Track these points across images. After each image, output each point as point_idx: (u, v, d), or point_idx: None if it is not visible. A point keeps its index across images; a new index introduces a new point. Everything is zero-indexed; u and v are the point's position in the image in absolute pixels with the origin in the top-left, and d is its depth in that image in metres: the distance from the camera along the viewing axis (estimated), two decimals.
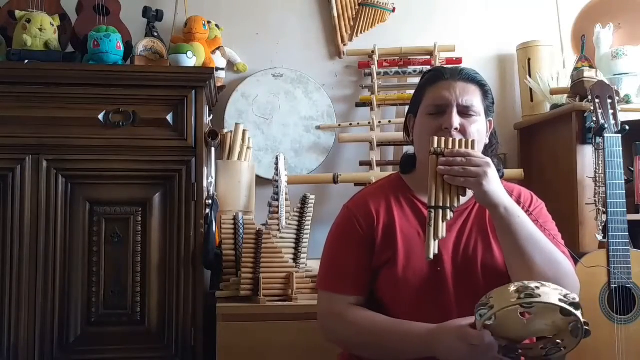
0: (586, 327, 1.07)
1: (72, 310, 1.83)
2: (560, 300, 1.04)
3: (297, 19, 2.53)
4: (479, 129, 1.31)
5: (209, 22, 2.31)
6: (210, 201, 1.97)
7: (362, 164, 2.32)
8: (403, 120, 1.47)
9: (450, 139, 1.24)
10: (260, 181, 2.35)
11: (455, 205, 1.21)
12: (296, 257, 1.92)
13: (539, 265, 1.19)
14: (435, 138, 1.24)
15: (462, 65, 1.46)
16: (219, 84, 2.31)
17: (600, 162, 1.91)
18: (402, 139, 2.23)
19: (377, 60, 2.44)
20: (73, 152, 1.86)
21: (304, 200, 1.95)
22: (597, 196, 1.93)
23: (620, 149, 1.87)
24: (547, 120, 2.30)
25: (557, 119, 2.21)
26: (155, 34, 2.22)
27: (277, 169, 1.93)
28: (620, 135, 1.88)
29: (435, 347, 1.17)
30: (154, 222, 1.88)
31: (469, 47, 2.50)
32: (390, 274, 1.29)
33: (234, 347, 1.77)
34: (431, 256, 1.17)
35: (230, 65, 2.45)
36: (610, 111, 1.89)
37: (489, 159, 1.21)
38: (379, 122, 2.35)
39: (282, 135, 2.43)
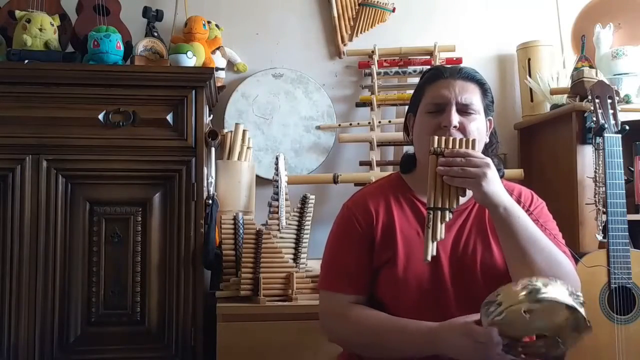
0: (588, 324, 1.08)
1: (72, 310, 1.83)
2: (567, 296, 1.05)
3: (297, 19, 2.53)
4: (478, 127, 1.31)
5: (209, 22, 2.31)
6: (210, 201, 1.97)
7: (362, 164, 2.32)
8: (403, 120, 1.47)
9: (451, 139, 1.23)
10: (260, 181, 2.35)
11: (455, 206, 1.21)
12: (296, 257, 1.92)
13: (539, 265, 1.19)
14: (436, 137, 1.23)
15: (463, 65, 1.46)
16: (219, 84, 2.31)
17: (600, 162, 1.91)
18: (402, 139, 2.23)
19: (377, 60, 2.44)
20: (73, 152, 1.86)
21: (304, 200, 1.95)
22: (597, 196, 1.93)
23: (620, 149, 1.86)
24: (547, 120, 2.30)
25: (557, 119, 2.21)
26: (155, 34, 2.22)
27: (277, 169, 1.93)
28: (620, 135, 1.88)
29: (439, 345, 1.17)
30: (154, 222, 1.88)
31: (469, 47, 2.50)
32: (390, 274, 1.29)
33: (234, 347, 1.77)
34: (429, 258, 1.16)
35: (230, 65, 2.45)
36: (610, 111, 1.89)
37: (488, 160, 1.21)
38: (379, 122, 2.35)
39: (282, 135, 2.43)
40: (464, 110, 1.30)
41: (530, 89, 2.41)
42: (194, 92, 1.92)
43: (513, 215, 1.21)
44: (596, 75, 2.07)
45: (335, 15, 2.50)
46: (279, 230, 1.90)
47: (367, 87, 2.45)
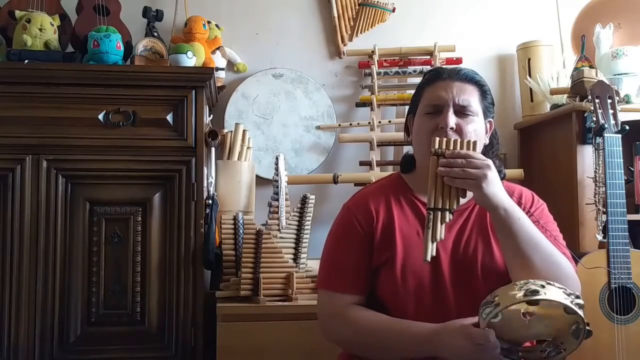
0: (587, 328, 1.07)
1: (72, 310, 1.83)
2: (565, 298, 1.05)
3: (297, 19, 2.53)
4: (476, 129, 1.31)
5: (209, 22, 2.31)
6: (210, 201, 1.97)
7: (362, 164, 2.32)
8: (403, 120, 1.48)
9: (452, 140, 1.23)
10: (260, 181, 2.35)
11: (455, 207, 1.21)
12: (296, 257, 1.92)
13: (539, 267, 1.19)
14: (437, 139, 1.23)
15: (462, 66, 1.46)
16: (219, 84, 2.31)
17: (600, 162, 1.91)
18: (402, 139, 2.24)
19: (377, 60, 2.45)
20: (73, 152, 1.86)
21: (304, 200, 1.95)
22: (597, 196, 1.93)
23: (620, 149, 1.86)
24: (547, 120, 2.30)
25: (557, 119, 2.21)
26: (155, 34, 2.22)
27: (277, 169, 1.93)
28: (620, 135, 1.88)
29: (438, 346, 1.17)
30: (154, 222, 1.88)
31: (469, 47, 2.50)
32: (390, 273, 1.29)
33: (234, 347, 1.77)
34: (428, 259, 1.16)
35: (230, 65, 2.45)
36: (610, 111, 1.89)
37: (489, 161, 1.21)
38: (379, 122, 2.35)
39: (282, 135, 2.43)
40: (462, 111, 1.30)
41: (530, 89, 2.41)
42: (194, 92, 1.92)
43: (513, 217, 1.21)
44: (596, 75, 2.07)
45: (335, 15, 2.51)
46: (279, 230, 1.90)
47: (367, 87, 2.45)
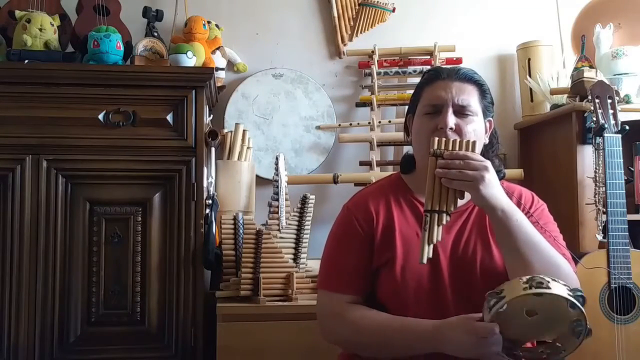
0: (588, 327, 1.08)
1: (72, 310, 1.83)
2: (568, 294, 1.06)
3: (297, 19, 2.53)
4: (475, 129, 1.30)
5: (209, 22, 2.31)
6: (210, 201, 1.97)
7: (362, 164, 2.33)
8: (403, 120, 1.47)
9: (451, 140, 1.23)
10: (260, 181, 2.35)
11: (452, 209, 1.20)
12: (296, 257, 1.92)
13: (538, 268, 1.19)
14: (436, 139, 1.23)
15: (461, 65, 1.46)
16: (219, 84, 2.31)
17: (600, 162, 1.91)
18: (402, 139, 2.24)
19: (377, 60, 2.45)
20: (73, 152, 1.86)
21: (304, 200, 1.95)
22: (597, 196, 1.93)
23: (620, 149, 1.87)
24: (547, 120, 2.30)
25: (557, 119, 2.21)
26: (155, 34, 2.22)
27: (277, 169, 1.93)
28: (620, 135, 1.88)
29: (441, 342, 1.17)
30: (154, 222, 1.88)
31: (469, 47, 2.50)
32: (389, 274, 1.29)
33: (234, 347, 1.77)
34: (424, 261, 1.16)
35: (230, 65, 2.45)
36: (610, 111, 1.89)
37: (487, 162, 1.21)
38: (379, 122, 2.35)
39: (282, 135, 2.43)
40: (461, 111, 1.29)
41: (530, 89, 2.41)
42: (194, 92, 1.92)
43: (511, 218, 1.20)
44: (596, 75, 2.07)
45: (335, 15, 2.51)
46: (279, 230, 1.90)
47: (367, 87, 2.45)
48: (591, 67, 2.19)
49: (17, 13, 2.01)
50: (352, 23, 2.53)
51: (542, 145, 2.35)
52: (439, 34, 2.51)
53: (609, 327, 1.81)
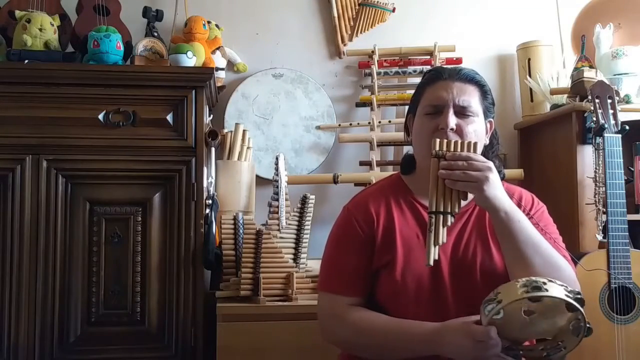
0: (588, 325, 1.08)
1: (72, 310, 1.83)
2: (566, 295, 1.05)
3: (297, 19, 2.53)
4: (476, 130, 1.30)
5: (209, 22, 2.31)
6: (210, 201, 1.97)
7: (362, 164, 2.32)
8: (403, 120, 1.47)
9: (452, 142, 1.23)
10: (260, 181, 2.35)
11: (456, 210, 1.20)
12: (296, 257, 1.92)
13: (539, 269, 1.19)
14: (437, 140, 1.23)
15: (463, 66, 1.46)
16: (219, 84, 2.31)
17: (600, 162, 1.91)
18: (402, 139, 2.24)
19: (377, 60, 2.44)
20: (73, 152, 1.86)
21: (304, 200, 1.95)
22: (597, 196, 1.93)
23: (620, 149, 1.87)
24: (547, 120, 2.30)
25: (557, 119, 2.21)
26: (155, 34, 2.22)
27: (277, 169, 1.93)
28: (620, 135, 1.88)
29: (439, 345, 1.17)
30: (154, 222, 1.88)
31: (469, 47, 2.50)
32: (390, 276, 1.29)
33: (234, 347, 1.77)
34: (431, 263, 1.16)
35: (230, 65, 2.45)
36: (610, 111, 1.89)
37: (490, 163, 1.21)
38: (379, 122, 2.35)
39: (282, 135, 2.43)
40: (462, 112, 1.29)
41: (530, 89, 2.41)
42: (194, 92, 1.92)
43: (513, 219, 1.20)
44: (596, 75, 2.07)
45: (335, 15, 2.50)
46: (279, 230, 1.90)
47: (367, 87, 2.45)
48: (591, 67, 2.19)
49: (17, 13, 2.01)
50: (352, 23, 2.53)
51: (542, 145, 2.35)
52: (439, 34, 2.51)
53: (609, 327, 1.81)
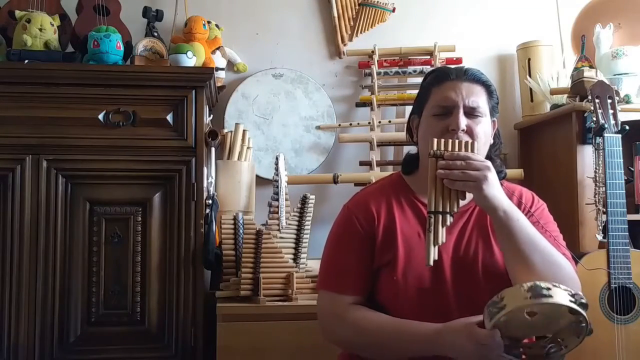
0: (589, 326, 1.08)
1: (72, 310, 1.83)
2: (570, 301, 1.05)
3: (297, 19, 2.53)
4: (485, 130, 1.30)
5: (209, 22, 2.31)
6: (210, 201, 1.97)
7: (362, 164, 2.32)
8: (403, 120, 1.47)
9: (450, 141, 1.23)
10: (260, 181, 2.35)
11: (455, 209, 1.20)
12: (296, 257, 1.92)
13: (539, 268, 1.19)
14: (435, 140, 1.23)
15: (467, 65, 1.45)
16: (219, 84, 2.31)
17: (600, 162, 1.91)
18: (402, 139, 2.24)
19: (377, 60, 2.44)
20: (73, 152, 1.86)
21: (304, 200, 1.95)
22: (597, 196, 1.93)
23: (620, 149, 1.87)
24: (547, 120, 2.30)
25: (557, 119, 2.21)
26: (155, 34, 2.22)
27: (277, 169, 1.93)
28: (620, 135, 1.88)
29: (441, 346, 1.17)
30: (154, 222, 1.88)
31: (469, 47, 2.50)
32: (390, 275, 1.29)
33: (234, 347, 1.77)
34: (431, 263, 1.16)
35: (230, 65, 2.45)
36: (610, 111, 1.89)
37: (489, 163, 1.21)
38: (379, 122, 2.35)
39: (282, 135, 2.43)
40: (471, 113, 1.29)
41: (530, 89, 2.41)
42: (194, 92, 1.92)
43: (512, 218, 1.20)
44: (596, 75, 2.07)
45: (335, 15, 2.50)
46: (279, 230, 1.90)
47: (367, 87, 2.45)
48: (591, 67, 2.19)
49: (17, 13, 2.01)
50: (352, 23, 2.53)
51: (542, 145, 2.35)
52: (439, 34, 2.51)
53: (609, 327, 1.81)
